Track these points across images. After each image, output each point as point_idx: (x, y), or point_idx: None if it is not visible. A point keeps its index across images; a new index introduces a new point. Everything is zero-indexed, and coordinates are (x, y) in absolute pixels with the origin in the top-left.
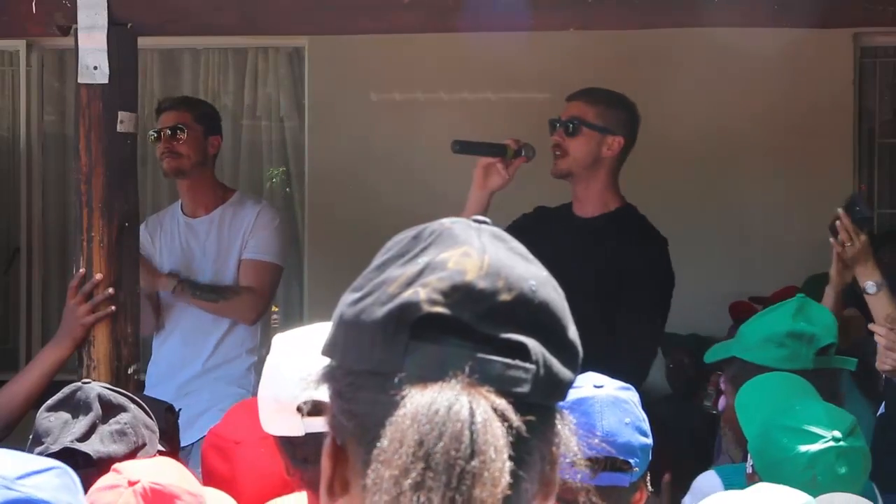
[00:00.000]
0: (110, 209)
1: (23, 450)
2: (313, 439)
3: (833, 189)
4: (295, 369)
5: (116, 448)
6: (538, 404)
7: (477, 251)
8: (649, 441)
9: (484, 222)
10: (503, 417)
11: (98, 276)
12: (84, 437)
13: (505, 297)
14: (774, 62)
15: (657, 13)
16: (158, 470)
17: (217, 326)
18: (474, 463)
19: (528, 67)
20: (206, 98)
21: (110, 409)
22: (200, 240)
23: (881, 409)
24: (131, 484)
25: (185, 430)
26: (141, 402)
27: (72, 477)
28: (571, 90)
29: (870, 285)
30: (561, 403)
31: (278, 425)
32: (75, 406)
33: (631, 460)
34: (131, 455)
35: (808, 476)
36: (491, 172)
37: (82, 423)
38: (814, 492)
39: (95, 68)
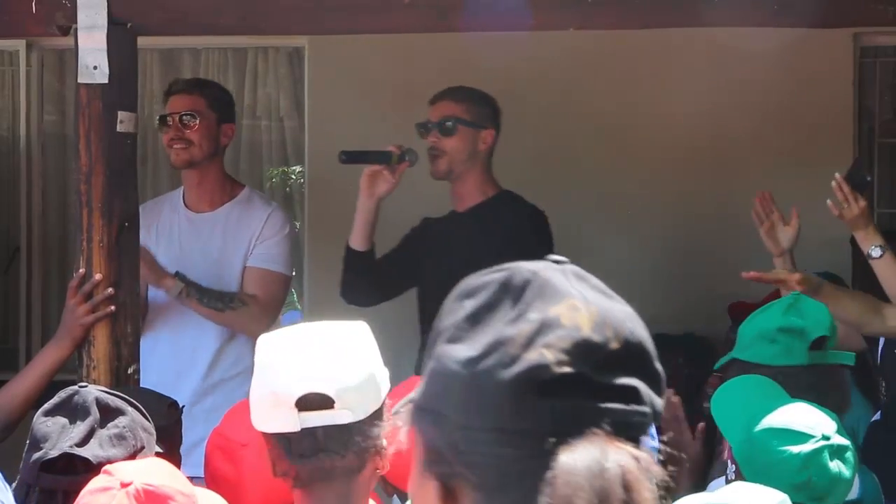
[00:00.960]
0: (110, 209)
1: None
2: (309, 434)
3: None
4: (291, 364)
5: (115, 452)
6: (639, 440)
7: (582, 303)
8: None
9: (562, 262)
10: (646, 468)
11: (98, 277)
12: (83, 442)
13: (615, 345)
14: (774, 62)
15: (657, 13)
16: (150, 470)
17: (215, 337)
18: None
19: (528, 67)
20: None
21: (108, 413)
22: (202, 238)
23: (877, 416)
24: (124, 486)
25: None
26: (138, 403)
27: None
28: (573, 89)
29: (874, 249)
30: None
31: (273, 422)
32: (73, 410)
33: None
34: (130, 458)
35: (804, 478)
36: (377, 180)
37: (81, 427)
38: (810, 493)
39: (95, 68)
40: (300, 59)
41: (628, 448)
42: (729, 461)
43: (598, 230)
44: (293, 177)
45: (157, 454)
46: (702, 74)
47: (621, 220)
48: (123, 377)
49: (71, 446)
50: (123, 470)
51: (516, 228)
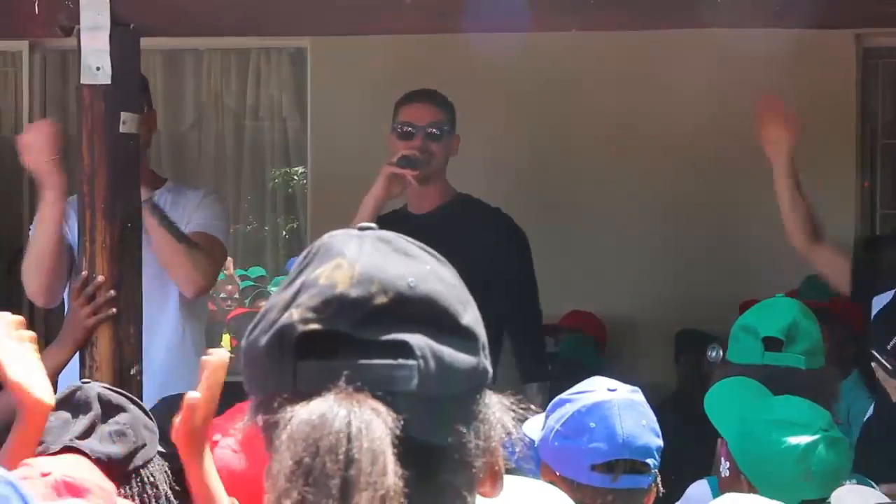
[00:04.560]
0: (112, 210)
1: None
2: None
3: (836, 190)
4: None
5: (115, 449)
6: (446, 395)
7: (349, 261)
8: (661, 442)
9: (368, 228)
10: (387, 422)
11: (100, 278)
12: (84, 436)
13: (381, 299)
14: (776, 63)
15: (658, 14)
16: (69, 465)
17: (160, 307)
18: (352, 471)
19: (529, 68)
20: (209, 99)
21: (110, 409)
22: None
23: (870, 412)
24: (43, 475)
25: None
26: (141, 402)
27: (17, 493)
28: (573, 90)
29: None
30: (576, 409)
31: None
32: (75, 405)
33: (649, 462)
34: (130, 456)
35: (802, 469)
36: (397, 181)
37: (82, 421)
38: (809, 484)
39: (98, 69)
40: (303, 59)
41: (371, 403)
42: (723, 458)
43: (602, 228)
44: (295, 178)
45: (160, 454)
46: (703, 76)
47: (621, 220)
48: (126, 378)
49: (71, 439)
50: (43, 463)
51: (489, 227)
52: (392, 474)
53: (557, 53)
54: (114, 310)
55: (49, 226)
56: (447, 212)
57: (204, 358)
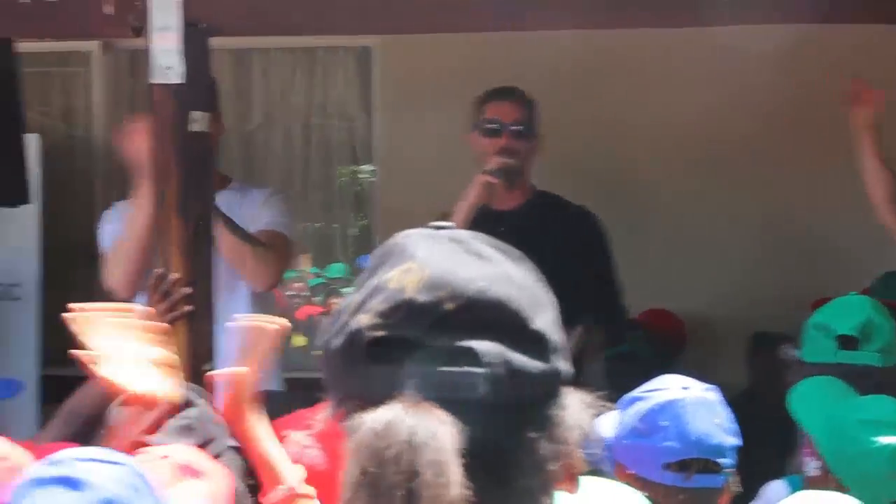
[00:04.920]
0: (185, 208)
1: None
2: None
3: None
4: None
5: (182, 442)
6: (516, 401)
7: (419, 264)
8: (737, 441)
9: (443, 227)
10: (453, 429)
11: (174, 276)
12: (151, 431)
13: (449, 305)
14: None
15: (668, 13)
16: (182, 450)
17: (230, 304)
18: (416, 483)
19: (603, 66)
20: (276, 98)
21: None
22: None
23: None
24: (164, 458)
25: None
26: (211, 398)
27: (143, 479)
28: (646, 88)
29: None
30: (649, 407)
31: None
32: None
33: (722, 461)
34: (199, 448)
35: (894, 468)
36: (490, 189)
37: (151, 417)
38: None
39: (169, 68)
40: (368, 58)
41: (437, 412)
42: (810, 457)
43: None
44: (362, 176)
45: (233, 448)
46: (782, 73)
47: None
48: (200, 374)
49: (139, 435)
50: (159, 449)
51: (572, 223)
52: (457, 485)
53: (632, 51)
54: (189, 307)
55: (144, 218)
56: (531, 209)
57: (252, 324)
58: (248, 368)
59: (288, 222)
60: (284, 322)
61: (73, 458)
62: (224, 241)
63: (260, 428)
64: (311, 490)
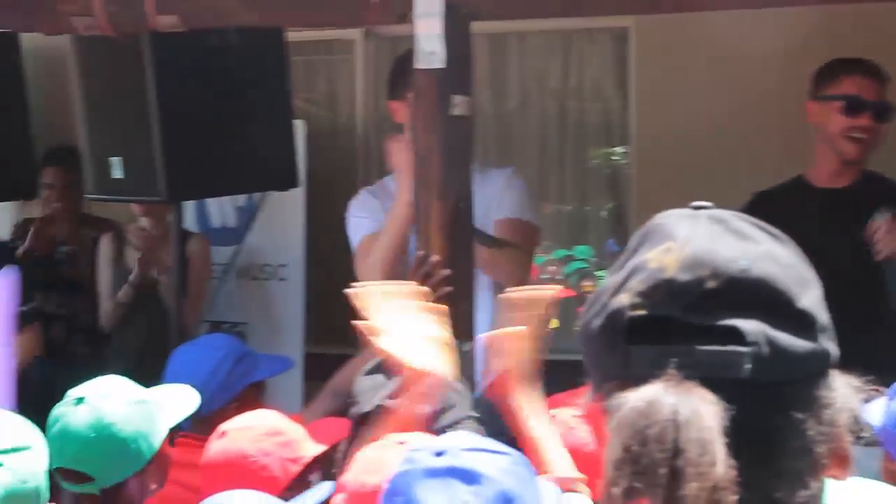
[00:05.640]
0: (446, 190)
1: None
2: None
3: None
4: None
5: (423, 408)
6: (781, 381)
7: (679, 244)
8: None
9: (703, 208)
10: (717, 408)
11: (435, 258)
12: (394, 396)
13: (711, 284)
14: None
15: None
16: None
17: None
18: (680, 461)
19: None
20: (531, 81)
21: None
22: None
23: None
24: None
25: None
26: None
27: (526, 469)
28: None
29: None
30: None
31: None
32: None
33: None
34: (436, 416)
35: None
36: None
37: (394, 383)
38: None
39: (432, 53)
40: (624, 39)
41: (700, 391)
42: None
43: None
44: (614, 158)
45: (476, 420)
46: None
47: None
48: (458, 354)
49: (381, 399)
50: (399, 435)
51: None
52: (722, 464)
53: None
54: (450, 288)
55: (401, 227)
56: (860, 187)
57: (525, 294)
58: (522, 334)
59: (531, 205)
60: (558, 288)
61: (458, 448)
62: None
63: (531, 404)
64: (579, 475)
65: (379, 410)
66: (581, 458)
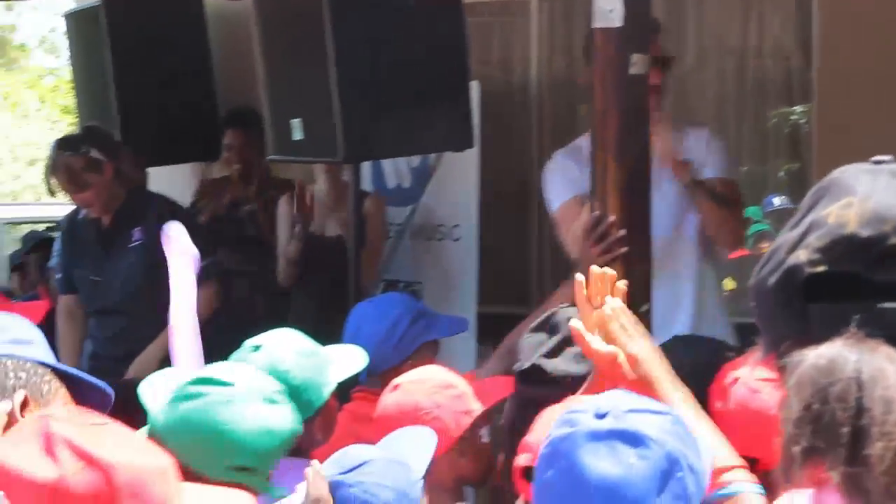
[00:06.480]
0: (623, 150)
1: None
2: None
3: None
4: None
5: (577, 368)
6: None
7: (860, 199)
8: None
9: (884, 162)
10: None
11: (611, 218)
12: (551, 355)
13: (894, 240)
14: None
15: None
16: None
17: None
18: (864, 421)
19: None
20: (711, 39)
21: None
22: None
23: None
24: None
25: None
26: None
27: (685, 428)
28: None
29: None
30: None
31: None
32: (552, 327)
33: None
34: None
35: None
36: None
37: (552, 342)
38: None
39: (611, 11)
40: None
41: (885, 349)
42: None
43: None
44: (794, 117)
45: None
46: None
47: None
48: (637, 315)
49: (538, 357)
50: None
51: None
52: None
53: None
54: (624, 248)
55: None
56: None
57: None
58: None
59: (734, 168)
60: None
61: (620, 409)
62: (702, 206)
63: (674, 386)
64: (739, 461)
65: (536, 368)
66: (765, 423)
